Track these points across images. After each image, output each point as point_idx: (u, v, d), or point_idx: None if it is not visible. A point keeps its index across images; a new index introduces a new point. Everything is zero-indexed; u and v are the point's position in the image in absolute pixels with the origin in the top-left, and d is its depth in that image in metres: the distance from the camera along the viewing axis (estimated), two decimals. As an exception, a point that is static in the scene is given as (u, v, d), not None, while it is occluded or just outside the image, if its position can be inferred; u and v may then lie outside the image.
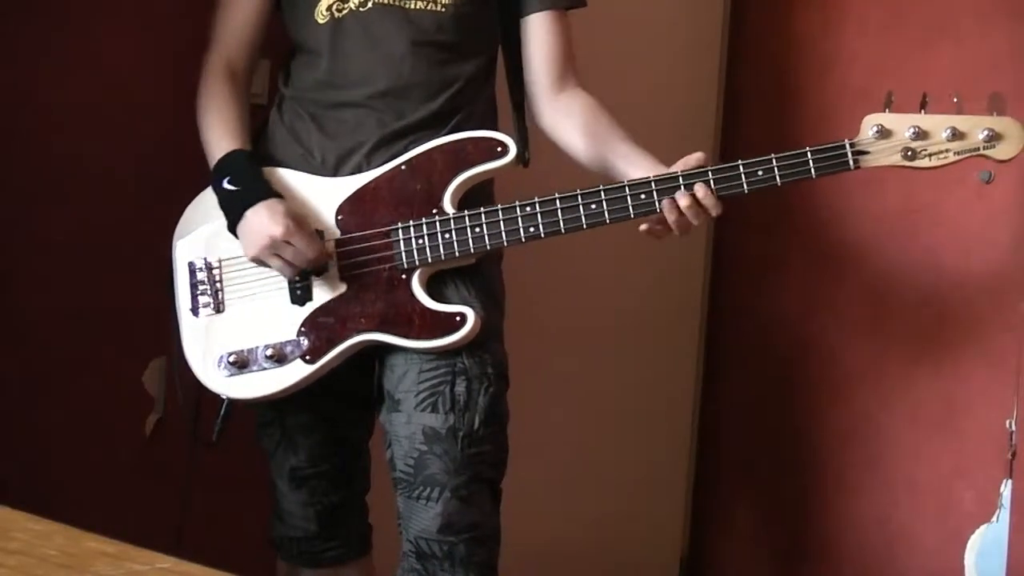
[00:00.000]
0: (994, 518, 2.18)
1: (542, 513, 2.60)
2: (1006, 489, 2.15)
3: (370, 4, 1.78)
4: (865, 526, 2.46)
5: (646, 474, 2.89)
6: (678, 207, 1.69)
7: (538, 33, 1.88)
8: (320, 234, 1.76)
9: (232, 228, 1.75)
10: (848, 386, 2.53)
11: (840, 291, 2.57)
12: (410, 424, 1.73)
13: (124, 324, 2.10)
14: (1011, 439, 2.15)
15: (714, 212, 1.70)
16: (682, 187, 1.69)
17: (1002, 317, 2.20)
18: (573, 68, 1.90)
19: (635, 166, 1.77)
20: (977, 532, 2.22)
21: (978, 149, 1.64)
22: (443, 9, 1.79)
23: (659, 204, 1.69)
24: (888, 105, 1.66)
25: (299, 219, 1.72)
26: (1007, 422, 2.16)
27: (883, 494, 2.42)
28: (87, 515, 1.01)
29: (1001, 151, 1.64)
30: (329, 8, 1.80)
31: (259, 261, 1.74)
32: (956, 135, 1.64)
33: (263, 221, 1.70)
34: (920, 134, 1.65)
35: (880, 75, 2.46)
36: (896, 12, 2.46)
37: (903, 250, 2.41)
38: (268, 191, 1.74)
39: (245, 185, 1.74)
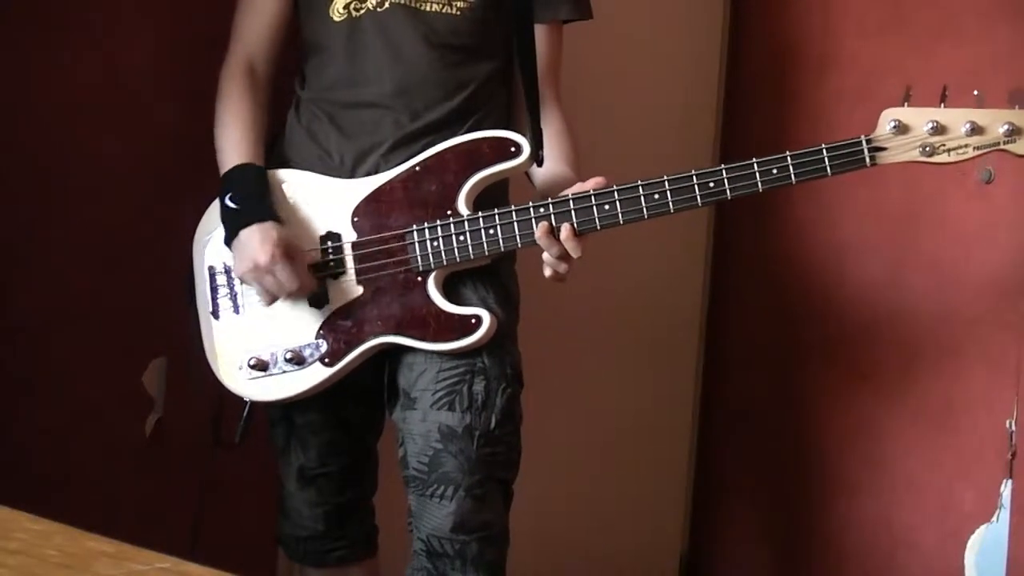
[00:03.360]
0: (994, 518, 2.18)
1: (542, 512, 2.60)
2: (1006, 489, 2.16)
3: (387, 4, 1.78)
4: (865, 526, 2.46)
5: (646, 474, 2.89)
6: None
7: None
8: (336, 236, 1.76)
9: (228, 243, 1.75)
10: (848, 386, 2.53)
11: (840, 291, 2.57)
12: (425, 422, 1.73)
13: (124, 324, 2.10)
14: (1011, 439, 2.15)
15: (574, 253, 1.69)
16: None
17: (1002, 317, 2.20)
18: (553, 84, 1.90)
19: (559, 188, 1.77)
20: (977, 532, 2.22)
21: (998, 144, 1.59)
22: (457, 12, 1.79)
23: (672, 206, 1.68)
24: (906, 99, 1.62)
25: (292, 249, 1.72)
26: (1007, 422, 2.16)
27: (884, 494, 2.42)
28: (87, 515, 1.01)
29: (1021, 145, 1.59)
30: (347, 6, 1.79)
31: (243, 281, 1.75)
32: (975, 129, 1.59)
33: (253, 245, 1.71)
34: (938, 129, 1.60)
35: (879, 75, 2.47)
36: (896, 12, 2.47)
37: (903, 250, 2.41)
38: (267, 212, 1.74)
39: (244, 204, 1.74)
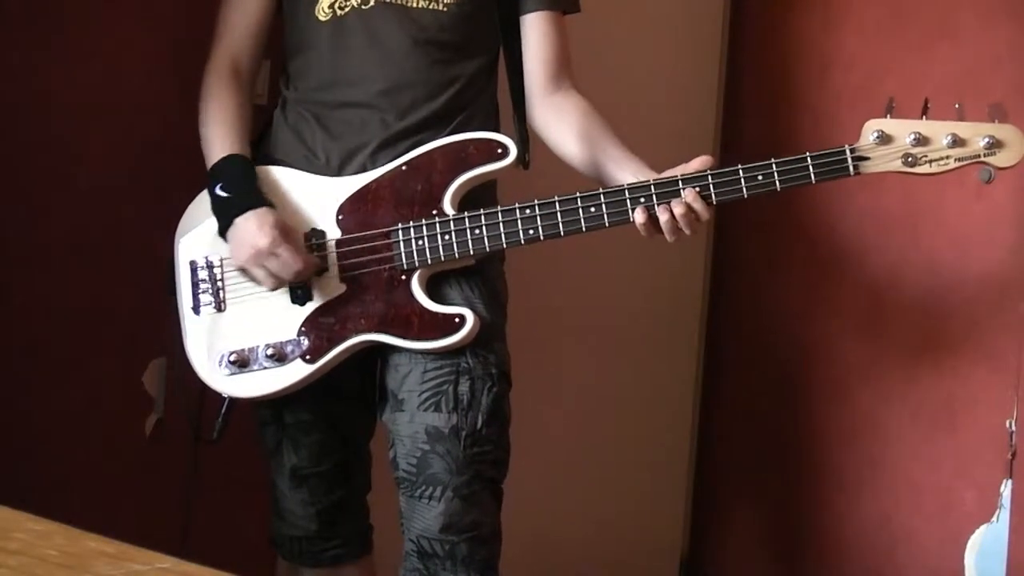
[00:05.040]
0: (994, 518, 2.18)
1: (542, 513, 2.60)
2: (1006, 489, 2.15)
3: (372, 2, 1.79)
4: (865, 526, 2.46)
5: (646, 474, 2.89)
6: (671, 212, 1.68)
7: (533, 33, 1.88)
8: (321, 233, 1.76)
9: (223, 234, 1.75)
10: (848, 386, 2.53)
11: (840, 291, 2.57)
12: (413, 423, 1.73)
13: (124, 324, 2.10)
14: (1011, 439, 2.15)
15: (703, 217, 1.69)
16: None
17: (1002, 317, 2.20)
18: (568, 70, 1.90)
19: (626, 170, 1.77)
20: (977, 532, 2.22)
21: (979, 156, 1.64)
22: (444, 8, 1.80)
23: (657, 208, 1.69)
24: (889, 111, 1.66)
25: (288, 231, 1.72)
26: (1007, 422, 2.16)
27: (883, 494, 2.42)
28: (87, 515, 1.01)
29: (1001, 158, 1.64)
30: (331, 6, 1.80)
31: (244, 270, 1.74)
32: (957, 142, 1.64)
33: (251, 231, 1.71)
34: (921, 140, 1.65)
35: (879, 75, 2.47)
36: (896, 12, 2.47)
37: (903, 250, 2.41)
38: (260, 199, 1.74)
39: (236, 192, 1.75)
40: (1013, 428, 2.15)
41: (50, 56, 2.01)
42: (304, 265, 1.72)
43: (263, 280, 1.74)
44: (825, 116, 2.61)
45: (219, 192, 1.75)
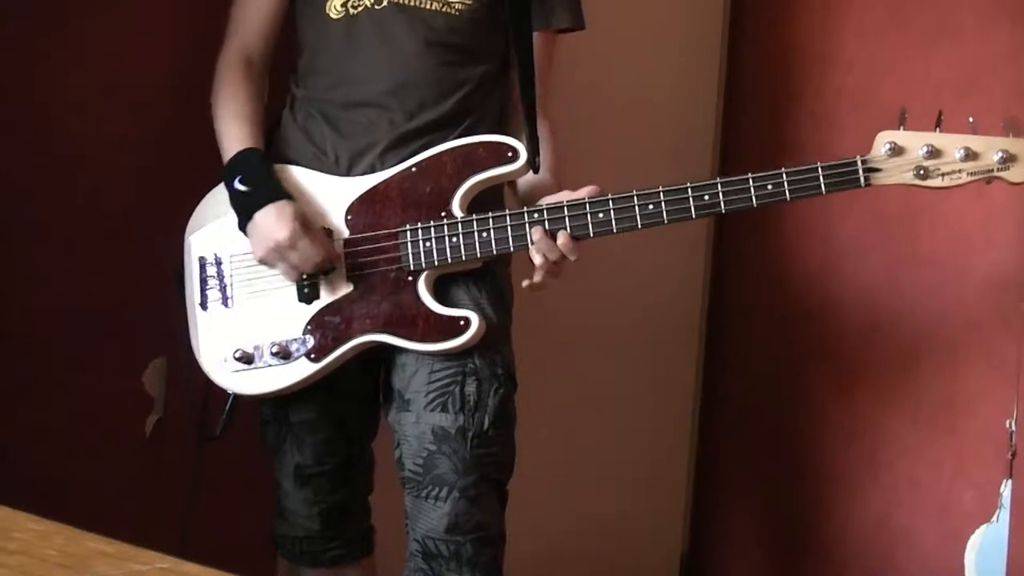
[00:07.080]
0: (994, 518, 2.18)
1: (542, 513, 2.60)
2: (1006, 489, 2.15)
3: (385, 2, 1.79)
4: (865, 526, 2.46)
5: (646, 474, 2.89)
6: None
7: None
8: (329, 233, 1.76)
9: (242, 228, 1.76)
10: (848, 386, 2.53)
11: (840, 291, 2.57)
12: (419, 424, 1.73)
13: (124, 324, 2.10)
14: (1011, 439, 2.15)
15: (571, 257, 1.71)
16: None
17: (1002, 317, 2.20)
18: (541, 91, 1.90)
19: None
20: (977, 532, 2.21)
21: (992, 171, 1.63)
22: (456, 12, 1.80)
23: (667, 217, 1.69)
24: (902, 122, 1.64)
25: (308, 222, 1.73)
26: (1007, 422, 2.16)
27: (883, 494, 2.42)
28: (87, 515, 1.01)
29: (1015, 173, 1.62)
30: (344, 4, 1.80)
31: (266, 263, 1.75)
32: (970, 155, 1.62)
33: (271, 224, 1.71)
34: (934, 152, 1.63)
35: (879, 75, 2.47)
36: (895, 13, 2.46)
37: (903, 249, 2.41)
38: (279, 192, 1.74)
39: (256, 186, 1.75)
40: (1013, 428, 2.15)
41: (50, 56, 2.01)
42: (326, 255, 1.73)
43: (285, 273, 1.74)
44: (825, 116, 2.60)
45: (238, 186, 1.75)
